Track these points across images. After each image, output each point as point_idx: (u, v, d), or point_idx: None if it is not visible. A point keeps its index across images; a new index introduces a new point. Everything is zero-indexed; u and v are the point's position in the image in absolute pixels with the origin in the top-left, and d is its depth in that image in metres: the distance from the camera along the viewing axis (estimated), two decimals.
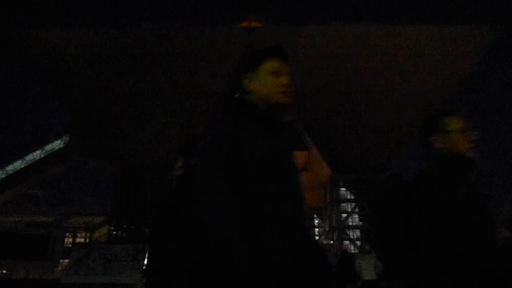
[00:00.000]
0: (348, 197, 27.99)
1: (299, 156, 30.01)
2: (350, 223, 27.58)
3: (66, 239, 34.07)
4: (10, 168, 30.80)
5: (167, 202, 2.92)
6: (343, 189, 28.01)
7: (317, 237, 36.02)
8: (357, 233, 27.23)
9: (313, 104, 24.91)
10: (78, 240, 37.13)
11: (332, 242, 27.82)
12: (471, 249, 1.51)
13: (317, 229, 41.51)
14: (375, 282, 8.32)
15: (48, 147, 31.10)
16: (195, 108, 25.13)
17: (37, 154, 30.88)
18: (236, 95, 1.52)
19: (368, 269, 8.30)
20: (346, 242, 26.98)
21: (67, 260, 19.37)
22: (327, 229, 31.36)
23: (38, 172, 30.84)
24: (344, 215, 27.70)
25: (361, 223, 27.26)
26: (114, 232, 26.44)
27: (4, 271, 20.66)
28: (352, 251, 24.85)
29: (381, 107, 24.67)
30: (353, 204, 27.79)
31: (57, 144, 31.09)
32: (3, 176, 30.50)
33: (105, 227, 34.04)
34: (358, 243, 26.38)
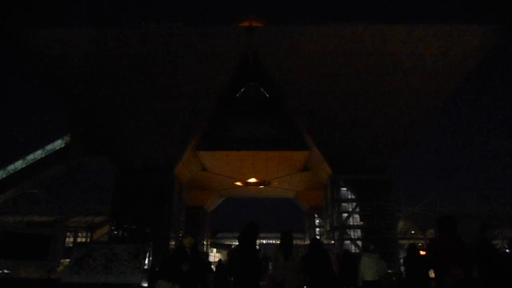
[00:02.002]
0: (349, 197, 27.98)
1: (300, 156, 30.05)
2: (351, 223, 27.59)
3: (67, 239, 34.15)
4: (11, 167, 30.82)
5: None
6: (344, 189, 27.99)
7: (318, 237, 36.02)
8: (358, 233, 27.23)
9: (314, 104, 24.91)
10: (79, 239, 37.20)
11: (333, 242, 27.83)
12: None
13: (318, 229, 41.58)
14: (376, 283, 8.33)
15: (49, 146, 31.12)
16: (195, 108, 25.14)
17: (38, 154, 30.90)
18: None
19: (371, 269, 8.31)
20: (347, 242, 26.99)
21: (68, 260, 19.37)
22: (328, 228, 31.37)
23: (39, 171, 30.86)
24: (345, 214, 27.69)
25: (362, 222, 27.25)
26: (115, 232, 26.45)
27: (6, 271, 20.67)
28: (353, 251, 24.85)
29: (381, 107, 24.66)
30: (354, 204, 27.79)
31: (58, 143, 31.12)
32: (4, 176, 30.53)
33: (106, 226, 34.07)
34: (359, 242, 26.38)
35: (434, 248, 4.55)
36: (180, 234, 28.78)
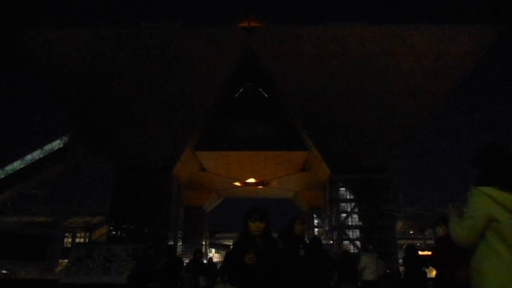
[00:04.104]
0: (348, 197, 28.01)
1: (299, 156, 30.06)
2: (350, 223, 27.61)
3: (65, 239, 34.08)
4: (9, 168, 30.75)
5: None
6: (343, 189, 28.01)
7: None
8: (356, 233, 27.26)
9: (313, 104, 24.93)
10: (77, 240, 37.15)
11: (331, 242, 27.84)
12: None
13: (316, 229, 41.57)
14: (375, 282, 8.34)
15: (48, 147, 31.06)
16: (194, 108, 25.13)
17: (37, 154, 30.84)
18: None
19: (370, 268, 8.33)
20: (346, 242, 27.00)
21: (66, 260, 19.33)
22: (326, 229, 31.36)
23: (37, 172, 30.80)
24: (344, 215, 27.71)
25: (360, 223, 27.26)
26: (114, 232, 26.41)
27: (4, 271, 20.61)
28: (352, 251, 24.87)
29: (381, 107, 24.69)
30: (353, 204, 27.81)
31: (56, 144, 31.06)
32: (2, 176, 30.46)
33: (105, 227, 34.02)
34: (358, 243, 26.39)
35: (442, 248, 4.50)
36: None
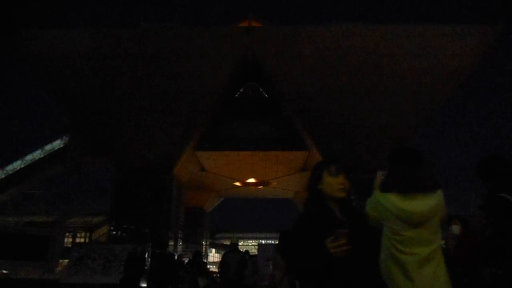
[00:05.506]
0: None
1: (299, 156, 30.05)
2: None
3: (66, 239, 34.10)
4: (9, 168, 30.76)
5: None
6: None
7: None
8: None
9: (313, 104, 24.92)
10: (77, 240, 37.22)
11: None
12: None
13: None
14: None
15: (48, 147, 31.06)
16: (195, 108, 25.13)
17: (37, 154, 30.83)
18: None
19: None
20: None
21: (67, 260, 19.36)
22: None
23: (38, 172, 30.80)
24: None
25: None
26: (114, 232, 26.40)
27: (4, 271, 20.64)
28: None
29: (381, 107, 24.68)
30: (353, 204, 27.77)
31: (56, 144, 31.06)
32: (2, 176, 30.47)
33: (105, 227, 34.03)
34: None
35: (463, 247, 4.45)
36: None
